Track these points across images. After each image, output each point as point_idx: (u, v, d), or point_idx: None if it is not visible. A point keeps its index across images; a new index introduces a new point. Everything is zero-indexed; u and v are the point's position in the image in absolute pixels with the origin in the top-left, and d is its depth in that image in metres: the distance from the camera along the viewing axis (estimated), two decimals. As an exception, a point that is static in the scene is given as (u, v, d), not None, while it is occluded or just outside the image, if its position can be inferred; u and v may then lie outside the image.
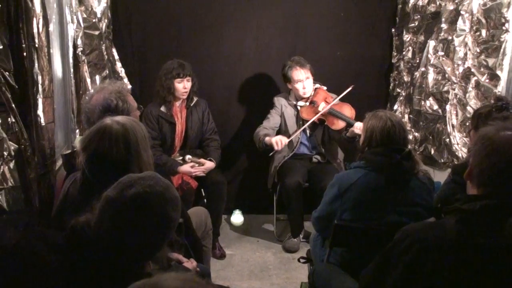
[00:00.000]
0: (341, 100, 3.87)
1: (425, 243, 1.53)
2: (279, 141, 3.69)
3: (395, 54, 4.45)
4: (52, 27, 2.84)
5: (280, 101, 4.04)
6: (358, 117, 2.61)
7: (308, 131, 3.99)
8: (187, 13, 4.23)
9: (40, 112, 2.49)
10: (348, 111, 3.80)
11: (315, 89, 3.93)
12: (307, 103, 3.90)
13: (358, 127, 3.52)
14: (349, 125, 3.69)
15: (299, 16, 4.35)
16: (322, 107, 3.81)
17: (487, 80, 3.17)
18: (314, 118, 3.78)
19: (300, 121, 3.96)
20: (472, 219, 1.52)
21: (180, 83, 3.67)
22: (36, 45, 2.43)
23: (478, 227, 1.50)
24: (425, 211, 2.33)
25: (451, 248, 1.49)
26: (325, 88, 3.99)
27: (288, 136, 3.91)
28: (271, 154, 3.78)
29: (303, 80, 3.81)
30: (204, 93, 4.07)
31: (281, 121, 4.03)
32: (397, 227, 1.70)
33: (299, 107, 3.93)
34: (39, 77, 2.47)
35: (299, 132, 3.88)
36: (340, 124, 3.79)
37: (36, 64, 2.44)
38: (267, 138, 3.78)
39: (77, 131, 3.31)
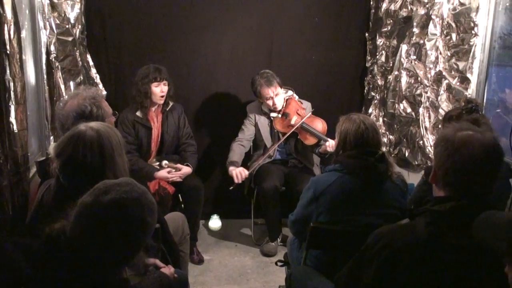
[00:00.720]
0: (313, 113, 3.90)
1: (396, 245, 1.54)
2: (239, 174, 3.75)
3: (369, 58, 4.51)
4: (24, 33, 2.81)
5: (253, 111, 4.06)
6: (333, 121, 2.64)
7: (282, 141, 4.00)
8: (162, 18, 4.22)
9: (12, 119, 2.45)
10: (320, 125, 3.84)
11: (287, 100, 3.95)
12: (279, 115, 3.93)
13: (330, 145, 3.58)
14: (321, 140, 3.73)
15: (274, 21, 4.38)
16: (295, 121, 3.84)
17: (458, 83, 3.24)
18: (287, 134, 3.83)
19: (274, 130, 3.99)
20: (442, 220, 1.54)
21: (157, 87, 3.66)
22: (8, 52, 2.40)
23: (448, 228, 1.52)
24: (399, 213, 2.36)
25: (423, 250, 1.51)
26: (296, 97, 4.01)
27: (263, 146, 4.02)
28: (231, 188, 3.78)
29: (273, 97, 3.82)
30: (180, 98, 4.08)
31: (255, 131, 4.05)
32: (372, 229, 1.71)
33: (272, 118, 3.96)
34: (11, 84, 2.44)
35: (265, 156, 3.94)
36: (312, 140, 3.83)
37: (8, 71, 2.40)
38: (230, 168, 3.82)
39: (51, 137, 3.28)
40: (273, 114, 3.94)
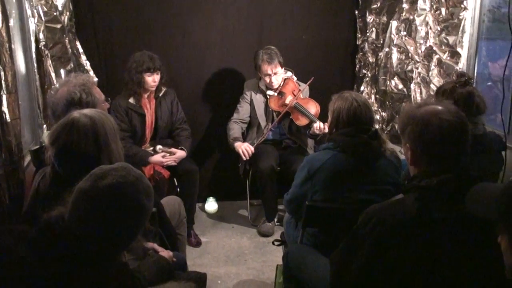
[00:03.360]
0: (309, 95, 3.91)
1: (387, 223, 1.57)
2: (245, 151, 3.78)
3: (359, 36, 4.50)
4: (12, 22, 2.79)
5: (250, 89, 4.06)
6: (326, 100, 2.65)
7: (276, 121, 4.01)
8: (151, 2, 4.19)
9: (4, 108, 2.44)
10: (313, 108, 3.86)
11: (285, 80, 3.96)
12: (275, 94, 3.94)
13: (317, 127, 3.63)
14: (312, 122, 3.75)
15: (263, 2, 4.36)
16: (289, 100, 3.85)
17: (448, 58, 3.24)
18: (281, 113, 3.86)
19: (269, 109, 4.00)
20: (430, 195, 1.56)
21: (150, 77, 3.64)
22: (-4, 41, 2.39)
23: (436, 203, 1.55)
24: (394, 189, 2.38)
25: (413, 225, 1.53)
26: (295, 78, 4.02)
27: (257, 124, 4.03)
28: (239, 165, 3.88)
29: (271, 75, 3.83)
30: (172, 83, 4.06)
31: (250, 109, 4.06)
32: (367, 205, 1.73)
33: (268, 96, 3.96)
34: (2, 73, 2.42)
35: (265, 134, 3.95)
36: (303, 121, 3.84)
37: (-3, 60, 2.40)
38: (236, 144, 3.86)
39: (44, 126, 3.27)
40: (269, 92, 3.95)
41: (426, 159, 1.64)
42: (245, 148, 3.80)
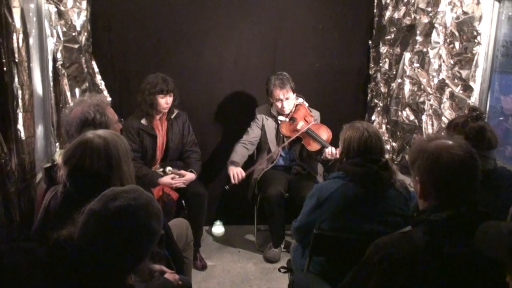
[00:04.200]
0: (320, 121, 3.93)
1: (395, 257, 1.56)
2: (235, 175, 3.78)
3: (372, 65, 4.53)
4: (31, 41, 2.84)
5: (261, 113, 4.08)
6: (337, 128, 2.67)
7: (286, 146, 4.02)
8: (167, 25, 4.25)
9: (20, 126, 2.48)
10: (325, 133, 3.87)
11: (296, 105, 3.97)
12: (287, 119, 3.95)
13: (329, 152, 3.63)
14: (324, 148, 3.75)
15: (278, 29, 4.41)
16: (301, 126, 3.87)
17: (461, 91, 3.25)
18: (292, 138, 3.85)
19: (279, 134, 4.01)
20: (439, 229, 1.55)
21: (163, 99, 3.68)
22: (16, 60, 2.43)
23: (445, 237, 1.54)
24: (402, 220, 2.37)
25: (421, 260, 1.52)
26: (306, 104, 4.03)
27: (267, 149, 4.03)
28: (226, 187, 3.83)
29: (283, 100, 3.85)
30: (184, 105, 4.09)
31: (261, 134, 4.07)
32: (375, 236, 1.72)
33: (279, 121, 3.98)
34: (19, 92, 2.47)
35: (276, 159, 3.95)
36: (315, 146, 3.85)
37: (16, 79, 2.44)
38: (230, 167, 3.85)
39: (57, 144, 3.30)
40: (281, 118, 3.97)
41: (436, 193, 1.63)
42: (236, 172, 3.79)
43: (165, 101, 3.69)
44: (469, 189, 1.62)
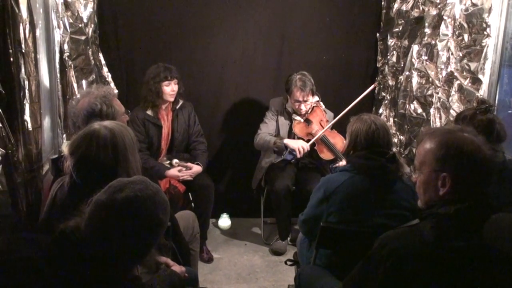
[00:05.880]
0: (335, 127, 3.88)
1: (403, 250, 1.54)
2: (301, 148, 3.72)
3: (380, 58, 4.51)
4: (38, 32, 2.84)
5: (276, 106, 4.04)
6: (344, 121, 2.66)
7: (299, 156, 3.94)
8: (174, 17, 4.25)
9: (27, 117, 2.49)
10: (340, 143, 3.84)
11: (313, 107, 3.93)
12: (302, 120, 3.91)
13: (342, 165, 3.56)
14: (337, 158, 3.72)
15: (285, 21, 4.39)
16: (315, 131, 3.83)
17: (470, 84, 3.22)
18: (309, 143, 3.78)
19: (292, 132, 3.97)
20: (447, 223, 1.53)
21: (168, 86, 3.68)
22: (23, 51, 2.43)
23: (454, 230, 1.52)
24: (410, 214, 2.36)
25: (429, 254, 1.51)
26: (323, 106, 4.00)
27: None
28: (292, 160, 3.78)
29: (301, 101, 3.81)
30: (190, 96, 4.10)
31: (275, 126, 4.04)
32: (382, 229, 1.71)
33: (293, 120, 3.94)
34: (26, 82, 2.47)
35: (319, 136, 3.82)
36: (328, 155, 3.84)
37: (23, 70, 2.44)
38: (285, 141, 3.78)
39: (64, 135, 3.31)
40: (296, 117, 3.92)
41: (454, 185, 1.57)
42: (301, 146, 3.72)
43: (170, 89, 3.69)
44: (486, 182, 1.59)
